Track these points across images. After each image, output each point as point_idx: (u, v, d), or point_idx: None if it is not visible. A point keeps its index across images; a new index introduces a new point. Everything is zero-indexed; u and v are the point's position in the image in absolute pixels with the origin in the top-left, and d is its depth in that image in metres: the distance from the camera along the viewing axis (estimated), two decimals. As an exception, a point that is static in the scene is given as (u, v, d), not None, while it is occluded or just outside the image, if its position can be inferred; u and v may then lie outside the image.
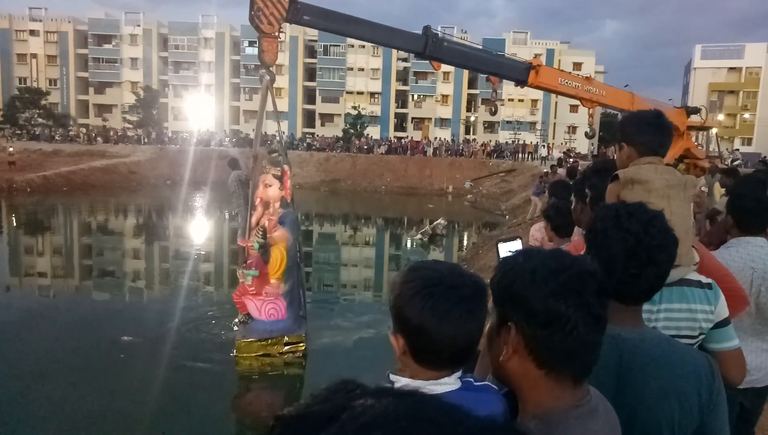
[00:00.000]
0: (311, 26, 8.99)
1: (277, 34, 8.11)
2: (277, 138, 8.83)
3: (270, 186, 7.76)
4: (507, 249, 2.09)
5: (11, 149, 31.46)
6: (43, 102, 50.17)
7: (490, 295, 1.16)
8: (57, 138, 43.38)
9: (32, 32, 59.03)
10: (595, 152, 37.37)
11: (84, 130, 49.34)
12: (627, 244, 1.43)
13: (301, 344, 7.70)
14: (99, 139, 44.14)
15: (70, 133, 46.71)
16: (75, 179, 29.74)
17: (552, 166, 18.97)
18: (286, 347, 7.65)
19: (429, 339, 1.09)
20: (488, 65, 11.26)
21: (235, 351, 7.58)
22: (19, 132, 45.09)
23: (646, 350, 1.40)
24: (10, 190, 27.25)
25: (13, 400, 6.43)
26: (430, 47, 9.80)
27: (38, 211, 24.40)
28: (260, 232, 7.64)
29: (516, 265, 1.13)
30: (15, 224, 21.62)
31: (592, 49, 62.48)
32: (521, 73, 11.21)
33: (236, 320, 8.28)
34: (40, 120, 48.64)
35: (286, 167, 7.98)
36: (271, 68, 8.10)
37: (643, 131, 2.18)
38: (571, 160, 27.70)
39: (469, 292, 1.12)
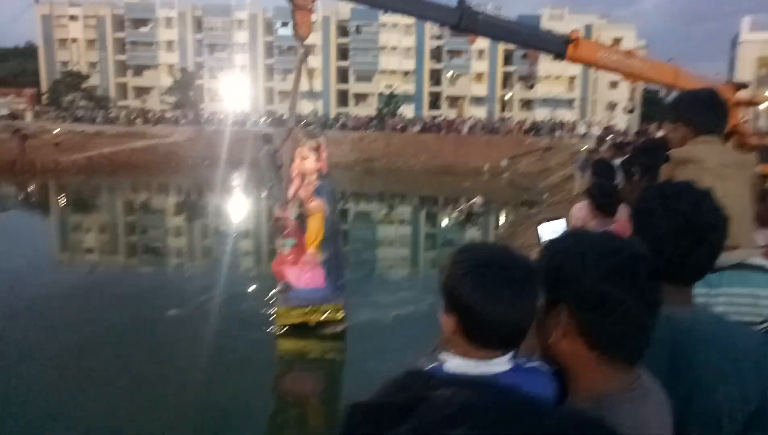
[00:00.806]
0: None
1: (310, 7, 8.10)
2: (314, 112, 8.84)
3: (306, 158, 7.87)
4: (551, 229, 2.04)
5: (56, 131, 32.43)
6: (84, 85, 51.44)
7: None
8: (98, 120, 44.48)
9: (72, 17, 60.28)
10: (636, 129, 36.30)
11: (124, 111, 50.45)
12: (675, 224, 1.38)
13: (339, 313, 7.78)
14: (138, 120, 45.08)
15: (111, 115, 47.82)
16: (117, 160, 30.52)
17: (599, 138, 18.48)
18: (324, 315, 7.75)
19: (479, 319, 1.09)
20: (524, 38, 11.00)
21: (275, 317, 7.72)
22: (62, 114, 46.38)
23: (699, 331, 1.35)
24: (57, 171, 28.18)
25: (64, 370, 6.70)
26: (465, 20, 9.63)
27: (84, 190, 25.20)
28: (297, 203, 7.80)
29: (565, 247, 1.12)
30: (63, 203, 22.40)
31: (632, 23, 60.30)
32: (559, 46, 10.91)
33: (276, 289, 8.43)
34: (82, 102, 49.92)
35: (321, 140, 8.06)
36: (305, 42, 8.12)
37: (698, 110, 2.13)
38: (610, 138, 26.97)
39: (520, 273, 1.10)
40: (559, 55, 11.09)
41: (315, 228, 7.88)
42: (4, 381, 6.36)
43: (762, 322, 1.76)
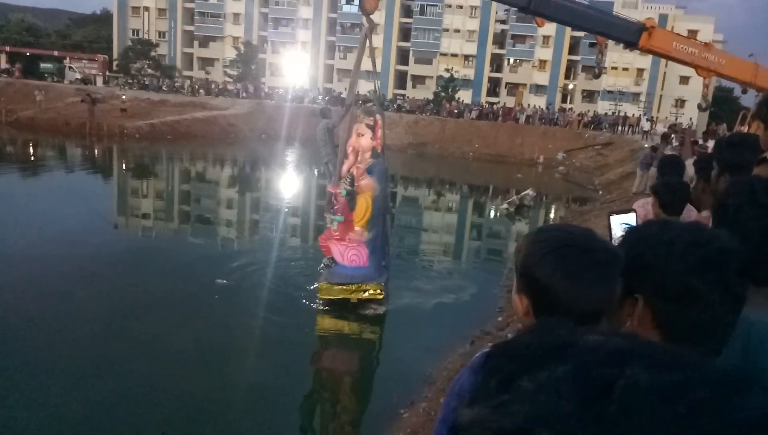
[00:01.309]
0: None
1: None
2: (373, 90, 8.80)
3: (362, 135, 7.87)
4: (620, 221, 1.99)
5: (124, 97, 33.79)
6: (152, 54, 53.18)
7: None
8: (164, 88, 46.00)
9: (146, -14, 62.27)
10: (704, 129, 34.56)
11: (188, 81, 51.93)
12: (763, 220, 1.33)
13: (380, 294, 7.83)
14: (201, 91, 46.34)
15: (176, 84, 49.35)
16: (178, 128, 31.55)
17: (664, 135, 17.73)
18: (366, 294, 7.82)
19: (556, 301, 1.05)
20: (596, 23, 10.56)
21: (317, 293, 7.87)
22: (130, 81, 48.21)
23: None
24: (122, 136, 29.42)
25: (108, 332, 7.03)
26: (535, 2, 9.35)
27: (144, 156, 26.23)
28: (348, 180, 7.84)
29: (649, 235, 1.08)
30: (124, 168, 23.41)
31: (710, 16, 57.03)
32: (633, 35, 10.47)
33: (322, 263, 8.56)
34: (149, 71, 51.69)
35: (378, 117, 8.03)
36: (370, 17, 8.08)
37: None
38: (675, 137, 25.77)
39: (603, 257, 1.07)
40: (631, 44, 10.65)
41: (363, 206, 7.91)
42: (50, 337, 6.74)
43: None
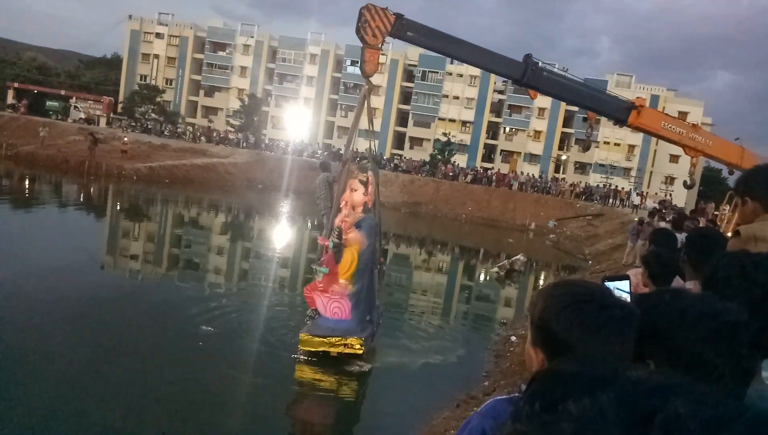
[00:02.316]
0: (414, 42, 9.22)
1: (380, 46, 8.41)
2: (370, 149, 9.05)
3: (355, 190, 8.04)
4: (614, 287, 2.01)
5: (125, 139, 34.22)
6: (158, 99, 54.28)
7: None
8: (166, 133, 46.68)
9: (158, 35, 64.23)
10: (693, 207, 35.21)
11: (191, 128, 52.77)
12: (753, 295, 1.37)
13: (360, 349, 7.75)
14: (203, 138, 47.04)
15: (178, 130, 50.12)
16: (177, 173, 31.79)
17: (651, 213, 18.09)
18: (346, 348, 7.74)
19: (573, 355, 1.05)
20: (587, 99, 10.94)
21: (299, 344, 7.79)
22: (133, 124, 48.93)
23: (765, 409, 1.32)
24: (119, 177, 29.59)
25: (91, 375, 6.87)
26: (529, 75, 9.72)
27: (140, 198, 26.30)
28: (336, 233, 7.93)
29: (662, 302, 1.10)
30: (118, 208, 23.42)
31: (700, 99, 59.20)
32: (622, 112, 10.81)
33: (307, 314, 8.51)
34: (153, 115, 52.58)
35: (370, 174, 8.21)
36: (370, 78, 8.40)
37: None
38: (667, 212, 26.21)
39: (619, 313, 1.08)
40: (621, 121, 10.99)
41: (349, 259, 7.98)
42: (26, 375, 6.58)
43: None
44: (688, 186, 12.77)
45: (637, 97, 12.06)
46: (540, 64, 9.99)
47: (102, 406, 6.07)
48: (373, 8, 8.29)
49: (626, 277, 2.16)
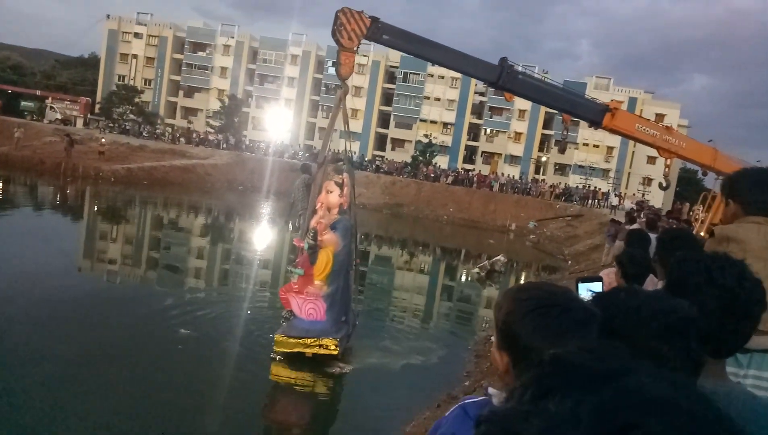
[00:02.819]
0: (390, 45, 9.26)
1: (355, 49, 8.45)
2: (346, 150, 9.08)
3: (331, 192, 8.06)
4: (587, 288, 2.05)
5: (103, 140, 33.73)
6: (136, 99, 53.57)
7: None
8: (144, 134, 46.13)
9: (136, 35, 63.44)
10: (670, 208, 35.85)
11: (170, 129, 52.21)
12: (723, 299, 1.39)
13: (335, 349, 7.76)
14: (182, 139, 46.56)
15: (157, 131, 49.56)
16: (155, 174, 31.41)
17: (627, 214, 18.36)
18: (320, 348, 7.75)
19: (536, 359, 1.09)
20: (562, 102, 11.08)
21: (274, 345, 7.77)
22: (111, 125, 48.24)
23: (731, 406, 1.33)
24: (97, 178, 29.15)
25: (69, 379, 6.76)
26: (504, 78, 9.82)
27: (118, 200, 25.93)
28: (311, 234, 7.94)
29: (618, 300, 1.14)
30: (96, 210, 23.07)
31: (677, 102, 60.27)
32: (596, 114, 10.97)
33: (282, 315, 8.50)
34: (131, 116, 51.90)
35: (346, 175, 8.24)
36: (346, 81, 8.43)
37: (755, 189, 2.05)
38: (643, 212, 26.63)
39: (582, 316, 1.10)
40: (596, 123, 11.16)
41: (323, 261, 8.00)
42: (6, 381, 6.46)
43: None
44: (663, 187, 12.99)
45: (612, 100, 12.24)
46: (515, 67, 10.09)
47: (77, 411, 5.97)
48: (349, 11, 8.32)
49: (599, 279, 2.20)
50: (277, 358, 7.77)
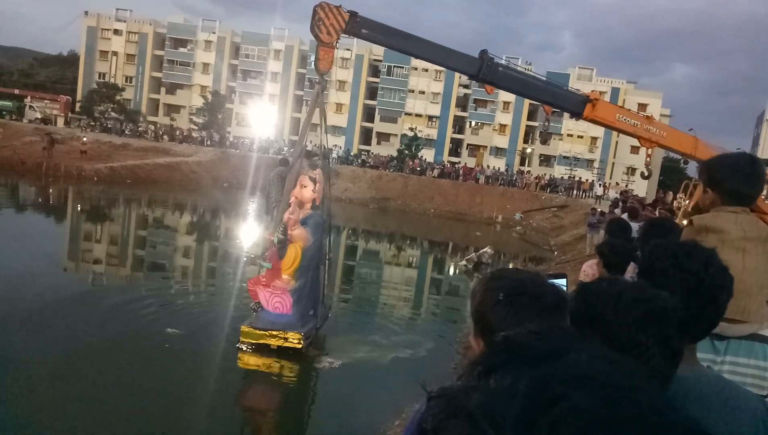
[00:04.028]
0: (369, 40, 9.24)
1: (335, 44, 8.44)
2: (321, 145, 9.05)
3: (305, 187, 8.07)
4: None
5: (85, 139, 33.27)
6: (117, 97, 52.92)
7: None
8: (127, 132, 45.56)
9: (116, 31, 62.59)
10: (654, 197, 36.22)
11: (152, 127, 51.64)
12: (688, 284, 1.42)
13: (299, 343, 7.80)
14: (165, 137, 46.08)
15: (140, 129, 48.98)
16: (139, 173, 31.08)
17: (610, 206, 18.55)
18: (285, 341, 7.81)
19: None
20: (543, 94, 11.14)
21: (240, 336, 7.81)
22: (93, 123, 47.60)
23: (701, 389, 1.37)
24: (79, 178, 28.77)
25: (57, 379, 6.71)
26: (484, 70, 9.84)
27: (102, 199, 25.63)
28: (281, 229, 7.96)
29: (599, 289, 1.17)
30: (79, 210, 22.78)
31: (659, 91, 60.85)
32: (577, 106, 11.03)
33: (251, 306, 8.53)
34: (113, 114, 51.25)
35: (319, 171, 8.25)
36: (324, 76, 8.43)
37: (733, 178, 2.01)
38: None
39: (551, 301, 1.15)
40: (576, 114, 11.23)
41: (292, 256, 8.03)
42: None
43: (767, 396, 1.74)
44: (644, 176, 13.12)
45: (593, 91, 12.32)
46: (495, 59, 10.11)
47: (64, 411, 5.92)
48: (327, 6, 8.29)
49: (563, 275, 2.26)
50: (243, 347, 7.80)
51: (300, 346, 7.82)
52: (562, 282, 2.19)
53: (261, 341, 7.81)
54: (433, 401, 0.41)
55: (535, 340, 0.43)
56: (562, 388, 0.37)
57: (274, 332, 7.80)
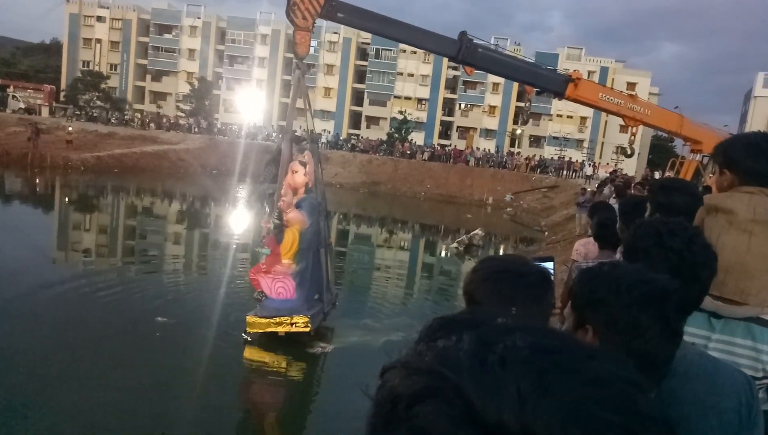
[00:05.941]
0: (346, 24, 9.16)
1: (310, 28, 8.36)
2: (308, 128, 9.00)
3: (296, 172, 8.04)
4: None
5: (70, 128, 32.81)
6: (102, 85, 52.24)
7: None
8: (113, 121, 45.04)
9: (99, 18, 61.50)
10: (643, 173, 36.39)
11: (139, 115, 51.06)
12: (670, 261, 1.44)
13: (306, 326, 7.78)
14: (152, 124, 45.60)
15: (126, 117, 48.43)
16: (126, 162, 30.79)
17: (599, 186, 18.58)
18: (292, 326, 7.77)
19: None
20: (523, 74, 11.08)
21: (246, 327, 7.76)
22: (78, 112, 46.98)
23: (686, 366, 1.38)
24: (66, 168, 28.44)
25: (45, 368, 6.69)
26: (464, 52, 9.79)
27: (89, 189, 25.39)
28: (276, 214, 7.97)
29: (601, 273, 1.21)
30: (66, 201, 22.56)
31: (648, 70, 60.85)
32: (559, 85, 10.99)
33: (254, 296, 8.48)
34: (98, 102, 50.63)
35: (308, 153, 8.21)
36: (303, 60, 8.41)
37: (750, 157, 1.95)
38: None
39: (534, 279, 1.23)
40: (558, 94, 11.19)
41: (290, 239, 8.00)
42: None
43: (762, 378, 1.74)
44: (627, 155, 13.15)
45: (575, 70, 12.29)
46: (475, 41, 10.03)
47: (56, 402, 5.90)
48: None
49: (551, 259, 2.29)
50: (249, 338, 7.77)
51: (308, 329, 7.78)
52: (549, 264, 2.24)
53: (268, 330, 7.75)
54: (386, 374, 0.46)
55: (466, 316, 0.50)
56: (502, 335, 0.44)
57: (280, 319, 7.73)
